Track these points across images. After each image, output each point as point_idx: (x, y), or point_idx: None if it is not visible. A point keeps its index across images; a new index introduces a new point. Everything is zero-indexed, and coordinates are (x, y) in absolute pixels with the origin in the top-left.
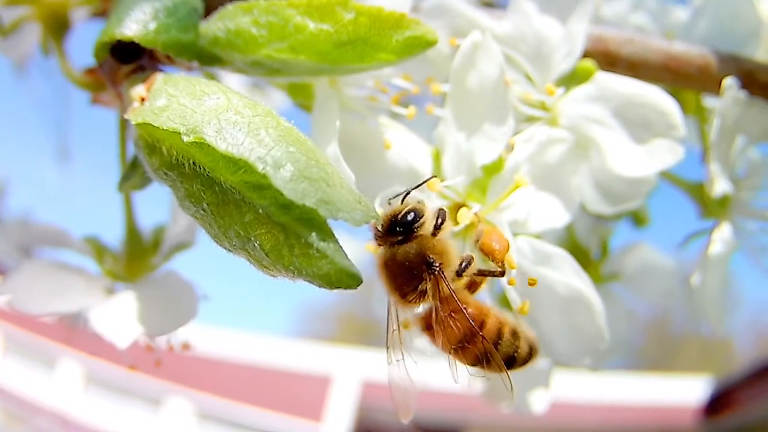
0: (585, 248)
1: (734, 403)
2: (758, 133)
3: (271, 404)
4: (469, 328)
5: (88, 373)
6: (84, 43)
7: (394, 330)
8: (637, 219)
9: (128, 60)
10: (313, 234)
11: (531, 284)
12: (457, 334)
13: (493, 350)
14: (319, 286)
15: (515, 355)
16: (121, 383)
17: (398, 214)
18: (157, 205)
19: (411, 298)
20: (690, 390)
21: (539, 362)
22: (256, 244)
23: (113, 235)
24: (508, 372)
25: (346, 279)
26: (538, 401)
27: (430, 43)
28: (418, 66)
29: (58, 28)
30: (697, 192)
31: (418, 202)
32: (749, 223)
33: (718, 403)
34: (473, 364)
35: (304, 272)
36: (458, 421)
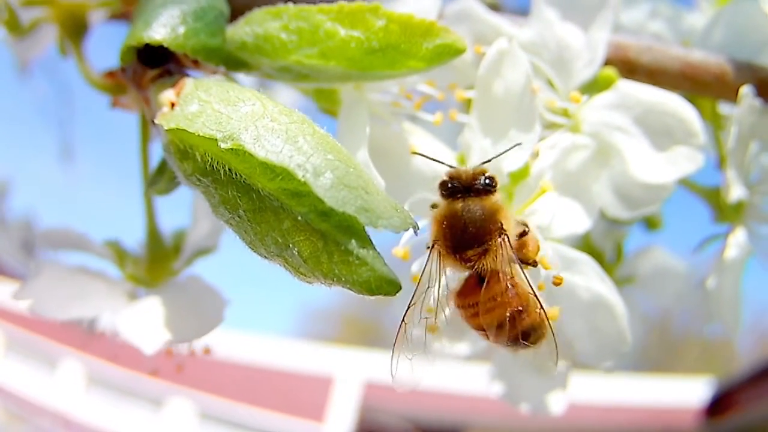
0: (600, 251)
1: (735, 404)
2: None
3: (273, 405)
4: (525, 297)
5: (90, 373)
6: (100, 45)
7: (431, 291)
8: (649, 223)
9: (154, 64)
10: (353, 241)
11: (557, 284)
12: (509, 305)
13: (547, 324)
14: (358, 293)
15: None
16: (123, 383)
17: (482, 171)
18: (168, 207)
19: (469, 256)
20: (691, 391)
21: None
22: (294, 251)
23: (115, 234)
24: (522, 350)
25: (386, 286)
26: (556, 403)
27: (459, 51)
28: (440, 72)
29: (76, 29)
30: (713, 197)
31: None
32: (763, 228)
33: (719, 404)
34: (511, 340)
35: (343, 279)
36: (458, 422)
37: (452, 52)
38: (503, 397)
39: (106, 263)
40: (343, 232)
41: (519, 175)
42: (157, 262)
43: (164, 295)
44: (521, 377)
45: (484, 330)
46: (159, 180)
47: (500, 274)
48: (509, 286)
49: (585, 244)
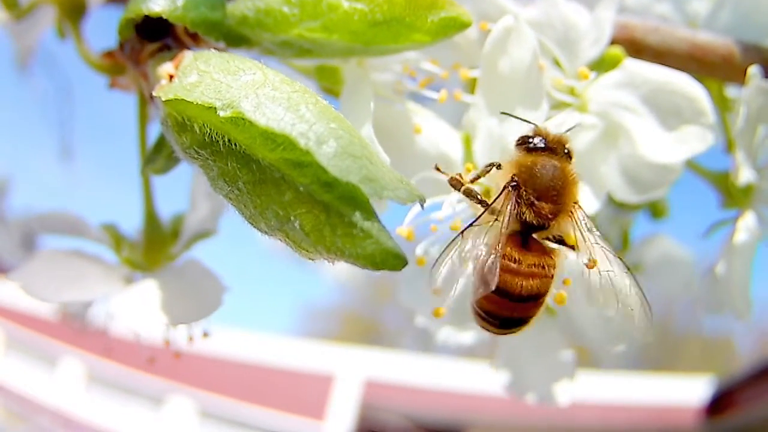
0: (606, 239)
1: (736, 403)
2: None
3: (274, 403)
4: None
5: (90, 371)
6: (98, 28)
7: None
8: (654, 211)
9: (153, 39)
10: (357, 213)
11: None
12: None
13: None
14: (363, 268)
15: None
16: (123, 382)
17: (568, 138)
18: (169, 194)
19: (546, 212)
20: (692, 390)
21: (564, 354)
22: (295, 224)
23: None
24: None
25: (392, 260)
26: (563, 393)
27: (464, 25)
28: (445, 52)
29: (74, 11)
30: (721, 181)
31: None
32: None
33: (719, 403)
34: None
35: (347, 253)
36: (458, 420)
37: (458, 25)
38: (509, 388)
39: (103, 249)
40: (347, 203)
41: None
42: (154, 246)
43: (161, 278)
44: (527, 367)
45: (506, 291)
46: (156, 158)
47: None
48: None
49: None
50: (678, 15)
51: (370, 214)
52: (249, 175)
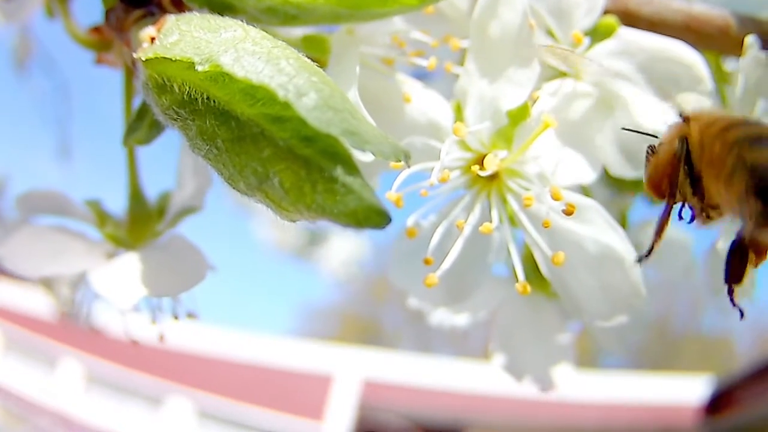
0: None
1: (735, 402)
2: None
3: (272, 403)
4: None
5: (89, 372)
6: (88, 7)
7: None
8: None
9: (137, 6)
10: (338, 168)
11: (569, 213)
12: None
13: None
14: (345, 225)
15: None
16: (122, 382)
17: None
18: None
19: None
20: (691, 389)
21: (560, 336)
22: (275, 182)
23: None
24: None
25: (375, 216)
26: (560, 375)
27: None
28: (436, 24)
29: None
30: None
31: None
32: None
33: (718, 403)
34: None
35: (328, 210)
36: (458, 420)
37: None
38: (505, 369)
39: (88, 227)
40: (328, 157)
41: (518, 117)
42: (139, 223)
43: (143, 253)
44: (523, 350)
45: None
46: (139, 126)
47: None
48: None
49: None
50: None
51: (352, 168)
52: (228, 133)
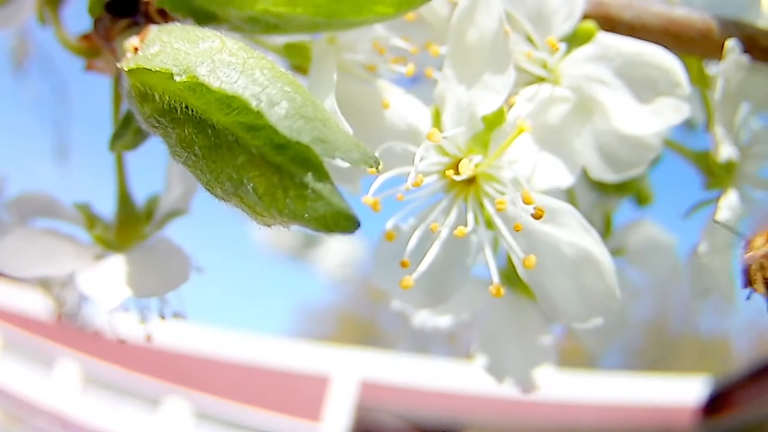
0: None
1: (732, 403)
2: (762, 99)
3: (270, 404)
4: None
5: (86, 373)
6: (80, 13)
7: None
8: (640, 197)
9: (123, 16)
10: (309, 174)
11: (538, 216)
12: None
13: None
14: (315, 230)
15: None
16: (119, 383)
17: None
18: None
19: None
20: (688, 390)
21: (542, 338)
22: (249, 187)
23: None
24: None
25: (344, 221)
26: (542, 377)
27: None
28: (416, 30)
29: None
30: (702, 160)
31: None
32: (755, 192)
33: (716, 403)
34: None
35: (299, 215)
36: (455, 421)
37: None
38: (487, 371)
39: (79, 230)
40: (299, 165)
41: (494, 122)
42: (127, 225)
43: (130, 255)
44: (506, 350)
45: None
46: (125, 132)
47: None
48: None
49: None
50: None
51: (322, 175)
52: (205, 140)
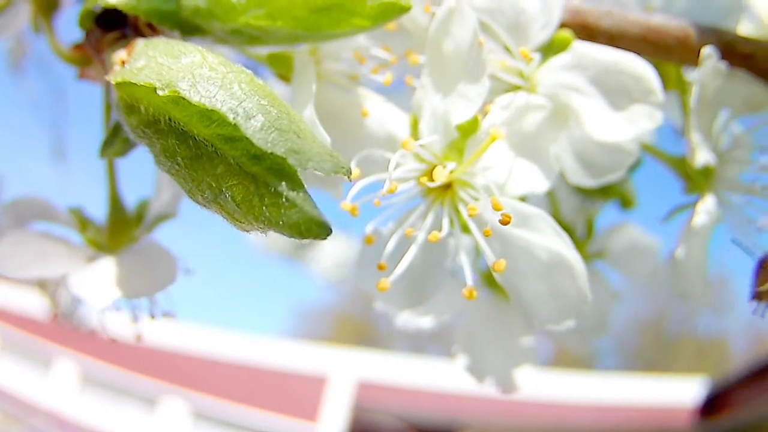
0: (571, 228)
1: (730, 403)
2: (741, 105)
3: (267, 404)
4: None
5: (84, 372)
6: (74, 21)
7: None
8: (624, 201)
9: (112, 29)
10: (283, 183)
11: (505, 222)
12: None
13: None
14: (289, 236)
15: None
16: (117, 383)
17: None
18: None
19: None
20: (686, 391)
21: (524, 339)
22: (227, 196)
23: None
24: None
25: (316, 228)
26: (522, 378)
27: (403, 9)
28: (398, 39)
29: (47, 6)
30: (680, 165)
31: None
32: (734, 197)
33: (713, 404)
34: None
35: (274, 222)
36: (452, 421)
37: (397, 9)
38: (467, 371)
39: (72, 232)
40: (274, 174)
41: (469, 130)
42: (118, 228)
43: (120, 257)
44: (486, 352)
45: None
46: (114, 141)
47: None
48: None
49: (555, 220)
50: (636, 1)
51: (296, 184)
52: (186, 151)
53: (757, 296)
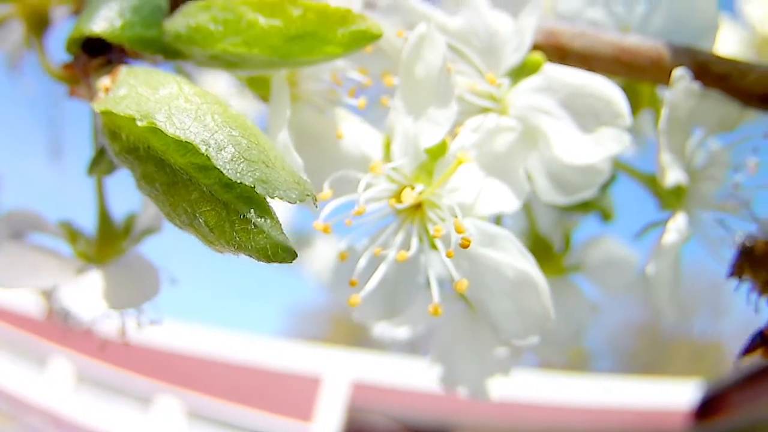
0: (548, 241)
1: (725, 406)
2: (715, 125)
3: (262, 404)
4: None
5: (79, 371)
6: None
7: None
8: (603, 214)
9: (99, 54)
10: (252, 211)
11: (464, 246)
12: None
13: None
14: (258, 260)
15: None
16: (112, 382)
17: None
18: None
19: None
20: (681, 393)
21: (498, 350)
22: (201, 221)
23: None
24: None
25: (282, 253)
26: (495, 387)
27: (374, 37)
28: (375, 60)
29: (38, 25)
30: (654, 183)
31: None
32: (707, 214)
33: (709, 407)
34: None
35: (244, 246)
36: (446, 422)
37: (367, 37)
38: (441, 381)
39: (63, 243)
40: (244, 202)
41: (437, 153)
42: (106, 241)
43: (107, 270)
44: (460, 362)
45: None
46: (101, 161)
47: None
48: None
49: (532, 233)
50: (611, 19)
51: (264, 211)
52: (164, 178)
53: (736, 273)
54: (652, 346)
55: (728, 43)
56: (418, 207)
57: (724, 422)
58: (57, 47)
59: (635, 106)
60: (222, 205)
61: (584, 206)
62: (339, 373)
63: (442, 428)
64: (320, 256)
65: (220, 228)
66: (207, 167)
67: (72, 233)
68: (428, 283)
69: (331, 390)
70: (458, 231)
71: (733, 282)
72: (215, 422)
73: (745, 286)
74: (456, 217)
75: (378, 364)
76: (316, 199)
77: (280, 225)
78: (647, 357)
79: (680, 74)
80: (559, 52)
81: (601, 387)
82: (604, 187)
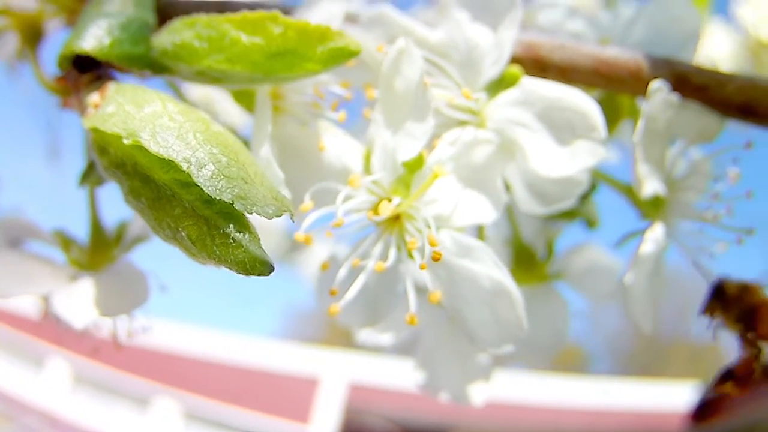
0: (531, 249)
1: (723, 408)
2: (694, 136)
3: (259, 406)
4: None
5: (77, 372)
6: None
7: None
8: (588, 221)
9: (89, 69)
10: (231, 226)
11: (435, 259)
12: None
13: None
14: (237, 273)
15: None
16: (109, 383)
17: None
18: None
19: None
20: (679, 395)
21: (480, 357)
22: (184, 234)
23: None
24: None
25: (259, 266)
26: (477, 394)
27: (353, 53)
28: (358, 73)
29: (32, 37)
30: (633, 193)
31: None
32: (687, 224)
33: (706, 409)
34: None
35: (224, 259)
36: (443, 423)
37: (346, 54)
38: (423, 387)
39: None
40: (223, 218)
41: (415, 166)
42: (98, 249)
43: (99, 277)
44: (442, 368)
45: None
46: (92, 173)
47: None
48: None
49: (515, 241)
50: (591, 31)
51: (244, 226)
52: (149, 193)
53: (708, 312)
54: (650, 348)
55: (722, 47)
56: (396, 218)
57: (722, 424)
58: (52, 55)
59: (615, 117)
60: (203, 221)
61: (568, 214)
62: (336, 374)
63: (439, 430)
64: (316, 259)
65: (201, 242)
66: (189, 184)
67: (65, 241)
68: (402, 291)
69: (328, 391)
70: (431, 244)
71: (705, 320)
72: (212, 423)
73: (717, 323)
74: (430, 229)
75: (375, 366)
76: (293, 214)
77: (259, 239)
78: (645, 359)
79: (657, 86)
80: (538, 65)
81: (599, 389)
82: (586, 196)
